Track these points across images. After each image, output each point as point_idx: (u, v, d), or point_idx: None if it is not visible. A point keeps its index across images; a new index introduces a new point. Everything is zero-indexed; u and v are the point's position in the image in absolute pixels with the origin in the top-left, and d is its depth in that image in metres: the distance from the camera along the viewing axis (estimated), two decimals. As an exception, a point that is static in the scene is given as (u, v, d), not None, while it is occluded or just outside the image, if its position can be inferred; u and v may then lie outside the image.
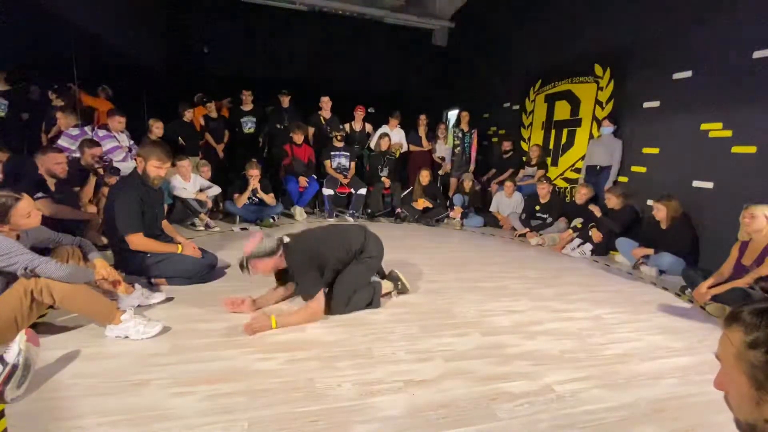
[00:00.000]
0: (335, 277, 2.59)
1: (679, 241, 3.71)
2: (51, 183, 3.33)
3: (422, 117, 6.63)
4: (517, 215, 5.38)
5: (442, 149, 6.87)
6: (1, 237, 1.87)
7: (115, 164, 4.12)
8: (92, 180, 3.76)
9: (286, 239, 2.46)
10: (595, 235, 4.30)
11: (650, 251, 3.81)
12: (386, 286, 2.79)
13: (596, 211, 4.40)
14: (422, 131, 6.64)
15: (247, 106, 6.20)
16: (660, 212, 3.76)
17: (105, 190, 3.95)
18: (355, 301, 2.56)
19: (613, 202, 4.36)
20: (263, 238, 2.40)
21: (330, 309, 2.49)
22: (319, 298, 2.37)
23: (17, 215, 1.96)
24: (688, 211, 3.82)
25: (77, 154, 3.93)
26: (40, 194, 3.05)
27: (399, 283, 2.86)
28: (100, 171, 3.76)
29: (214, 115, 6.19)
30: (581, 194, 4.75)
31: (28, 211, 2.01)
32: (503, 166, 6.46)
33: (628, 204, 4.35)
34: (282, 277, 2.62)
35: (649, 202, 4.30)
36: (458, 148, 6.68)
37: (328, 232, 2.76)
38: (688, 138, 4.00)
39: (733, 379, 0.74)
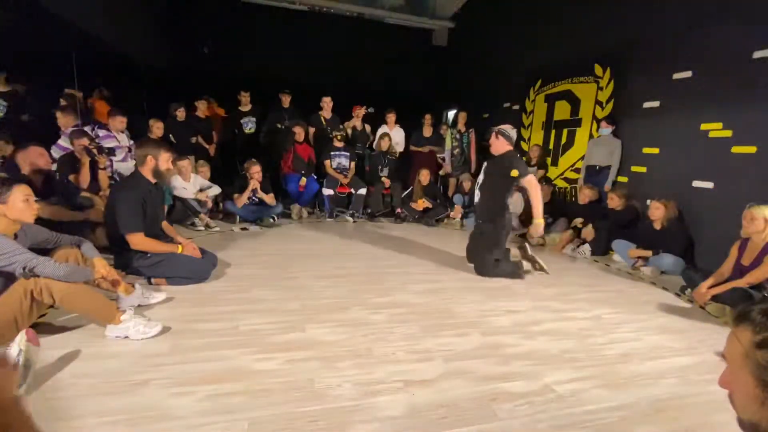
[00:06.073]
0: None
1: (672, 241, 3.72)
2: (38, 181, 3.19)
3: (428, 116, 6.61)
4: (517, 215, 5.37)
5: (444, 150, 6.87)
6: (0, 237, 1.87)
7: (115, 164, 4.13)
8: (86, 162, 3.76)
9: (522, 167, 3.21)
10: (586, 231, 4.37)
11: (647, 253, 3.81)
12: (526, 265, 3.23)
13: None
14: (427, 131, 6.63)
15: (246, 107, 6.19)
16: (658, 211, 3.77)
17: (103, 178, 3.95)
18: (501, 268, 3.05)
19: (615, 202, 4.37)
20: (513, 129, 3.24)
21: (481, 271, 3.07)
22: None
23: (14, 196, 1.95)
24: (686, 212, 3.82)
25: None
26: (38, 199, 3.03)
27: (537, 264, 3.26)
28: (94, 151, 3.79)
29: (201, 114, 6.13)
30: (584, 195, 4.73)
31: (26, 195, 2.00)
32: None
33: (630, 204, 4.35)
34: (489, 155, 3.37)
35: (649, 202, 4.30)
36: (457, 150, 6.66)
37: None
38: (688, 138, 4.00)
39: (739, 378, 0.74)
